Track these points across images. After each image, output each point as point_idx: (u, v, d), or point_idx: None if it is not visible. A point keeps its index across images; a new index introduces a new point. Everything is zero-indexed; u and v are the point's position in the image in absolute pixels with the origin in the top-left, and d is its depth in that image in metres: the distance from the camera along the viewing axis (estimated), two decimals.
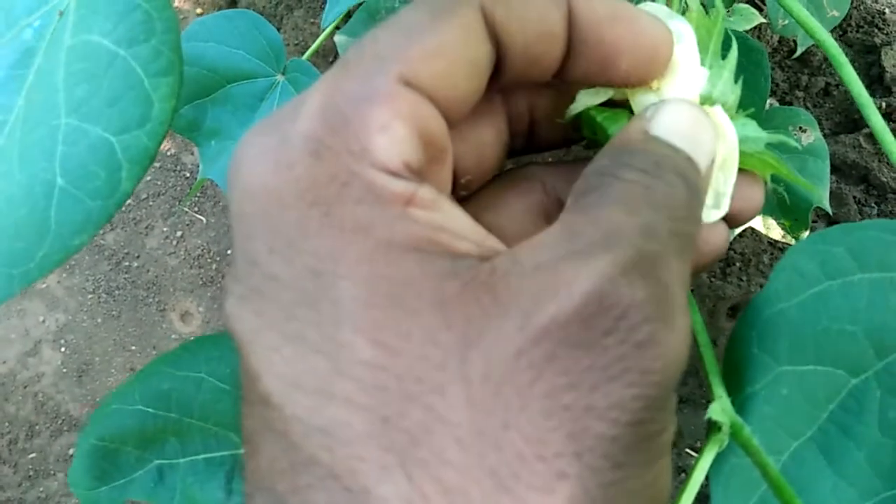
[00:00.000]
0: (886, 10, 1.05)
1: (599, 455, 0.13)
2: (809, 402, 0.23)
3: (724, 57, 0.21)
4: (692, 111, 0.18)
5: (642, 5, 0.20)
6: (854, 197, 0.96)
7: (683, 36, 0.20)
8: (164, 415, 0.37)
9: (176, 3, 1.30)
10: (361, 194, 0.14)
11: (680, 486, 0.21)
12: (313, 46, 0.73)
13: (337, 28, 1.18)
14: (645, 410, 0.13)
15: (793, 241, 0.77)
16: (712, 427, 0.22)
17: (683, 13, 0.21)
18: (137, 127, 0.23)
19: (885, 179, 0.94)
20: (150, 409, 0.37)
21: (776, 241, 0.95)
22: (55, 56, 0.25)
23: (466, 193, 0.19)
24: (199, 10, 1.35)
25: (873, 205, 0.96)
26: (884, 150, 0.30)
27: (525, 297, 0.14)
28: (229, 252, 1.16)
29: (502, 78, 0.17)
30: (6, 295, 0.23)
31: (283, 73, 0.72)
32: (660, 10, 0.20)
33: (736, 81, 0.21)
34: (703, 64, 0.20)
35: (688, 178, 0.16)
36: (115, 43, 0.24)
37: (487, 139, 0.20)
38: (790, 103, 1.00)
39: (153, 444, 0.38)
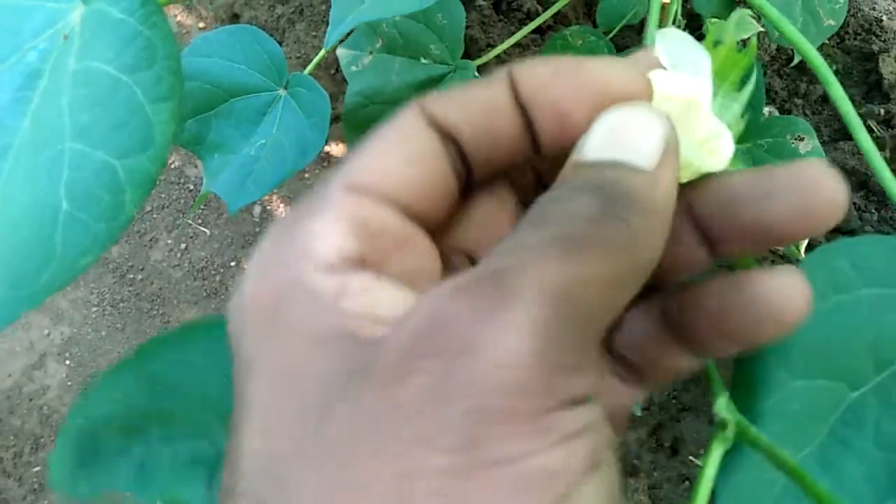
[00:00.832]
0: (884, 18, 1.05)
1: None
2: (813, 416, 0.23)
3: (740, 88, 0.20)
4: (616, 116, 0.17)
5: (660, 33, 0.20)
6: (854, 203, 0.96)
7: (701, 68, 0.19)
8: (151, 401, 0.36)
9: (178, 18, 1.32)
10: (299, 296, 0.15)
11: (688, 494, 0.22)
12: (315, 61, 0.74)
13: (339, 41, 1.19)
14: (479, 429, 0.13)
15: (794, 248, 0.77)
16: (717, 426, 0.22)
17: (716, 45, 0.20)
18: (140, 151, 0.23)
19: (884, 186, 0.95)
20: (137, 392, 0.36)
21: (776, 250, 0.96)
22: (60, 80, 0.26)
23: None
24: (201, 25, 1.36)
25: (873, 210, 0.96)
26: (871, 165, 0.31)
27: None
28: (232, 264, 1.16)
29: (475, 164, 0.18)
30: (12, 317, 0.24)
31: (286, 88, 0.73)
32: (678, 39, 0.20)
33: (742, 116, 0.20)
34: (715, 95, 0.19)
35: (606, 186, 0.15)
36: (119, 69, 0.24)
37: (500, 216, 0.20)
38: (789, 111, 1.00)
39: (136, 433, 0.37)
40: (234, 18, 1.35)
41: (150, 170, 0.23)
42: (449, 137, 0.17)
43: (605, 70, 0.17)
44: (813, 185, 0.16)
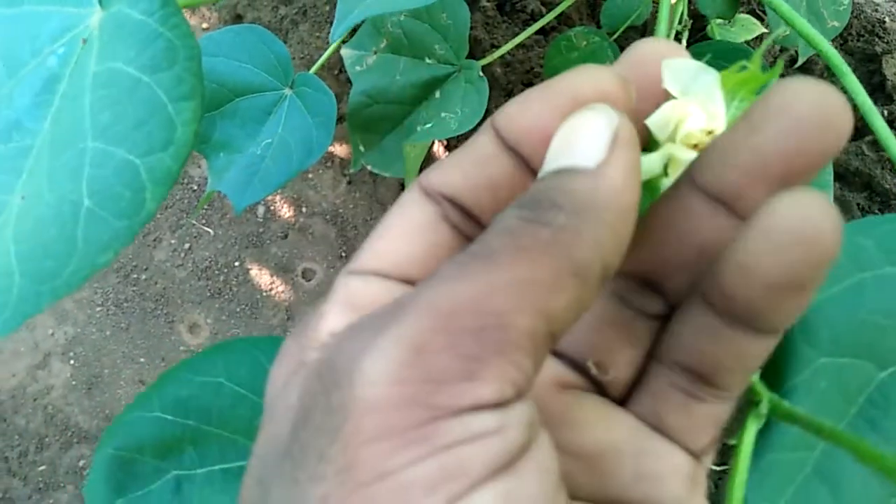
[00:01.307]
0: (886, 19, 1.06)
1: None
2: (843, 395, 0.23)
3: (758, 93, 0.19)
4: (565, 125, 0.16)
5: (665, 63, 0.19)
6: (858, 204, 0.96)
7: (711, 91, 0.18)
8: (183, 422, 0.38)
9: None
10: (300, 375, 0.16)
11: (723, 475, 0.21)
12: (320, 60, 0.75)
13: (343, 42, 1.19)
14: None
15: None
16: (750, 403, 0.22)
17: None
18: (161, 150, 0.24)
19: (888, 186, 0.95)
20: (168, 417, 0.38)
21: None
22: (80, 82, 0.26)
23: (605, 376, 0.19)
24: (204, 25, 1.36)
25: (877, 211, 0.96)
26: (888, 155, 0.31)
27: None
28: (236, 264, 1.17)
29: (484, 218, 0.17)
30: (34, 310, 0.24)
31: (291, 87, 0.73)
32: (683, 66, 0.19)
33: None
34: (728, 106, 0.19)
35: (540, 194, 0.15)
36: (139, 70, 0.25)
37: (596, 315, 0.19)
38: None
39: (171, 454, 0.38)
40: (238, 19, 1.35)
41: (172, 167, 0.24)
42: (450, 202, 0.17)
43: (572, 81, 0.16)
44: (802, 98, 0.15)
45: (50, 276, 0.24)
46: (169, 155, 0.24)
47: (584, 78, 0.16)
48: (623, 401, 0.19)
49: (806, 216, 0.14)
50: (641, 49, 0.18)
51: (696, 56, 0.19)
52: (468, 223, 0.18)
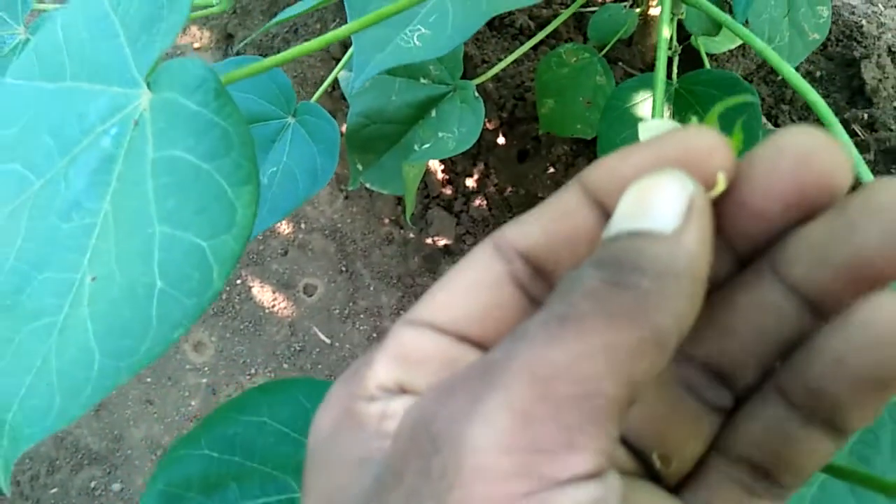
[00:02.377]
0: (864, 23, 1.09)
1: None
2: None
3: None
4: (638, 186, 0.16)
5: (641, 124, 0.22)
6: None
7: None
8: (228, 459, 0.40)
9: None
10: (349, 425, 0.17)
11: None
12: (319, 91, 0.76)
13: (336, 60, 1.21)
14: None
15: None
16: None
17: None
18: (225, 232, 0.26)
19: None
20: (214, 454, 0.40)
21: None
22: (139, 166, 0.28)
23: (667, 469, 0.19)
24: (196, 45, 1.37)
25: None
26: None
27: None
28: (238, 282, 1.18)
29: (556, 275, 0.18)
30: (113, 385, 0.26)
31: (294, 116, 0.75)
32: (658, 125, 0.22)
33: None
34: None
35: (619, 256, 0.15)
36: (199, 158, 0.27)
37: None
38: (776, 117, 1.04)
39: (216, 490, 0.40)
40: (229, 38, 1.36)
41: (235, 247, 0.26)
42: (524, 258, 0.17)
43: (680, 140, 0.16)
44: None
45: (128, 353, 0.26)
46: (232, 236, 0.26)
47: (691, 139, 0.16)
48: (676, 488, 0.19)
49: None
50: (788, 139, 0.17)
51: (688, 86, 0.21)
52: (536, 284, 0.18)
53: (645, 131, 0.21)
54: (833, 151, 0.16)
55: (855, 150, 0.41)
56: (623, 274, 0.15)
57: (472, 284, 0.18)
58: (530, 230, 0.18)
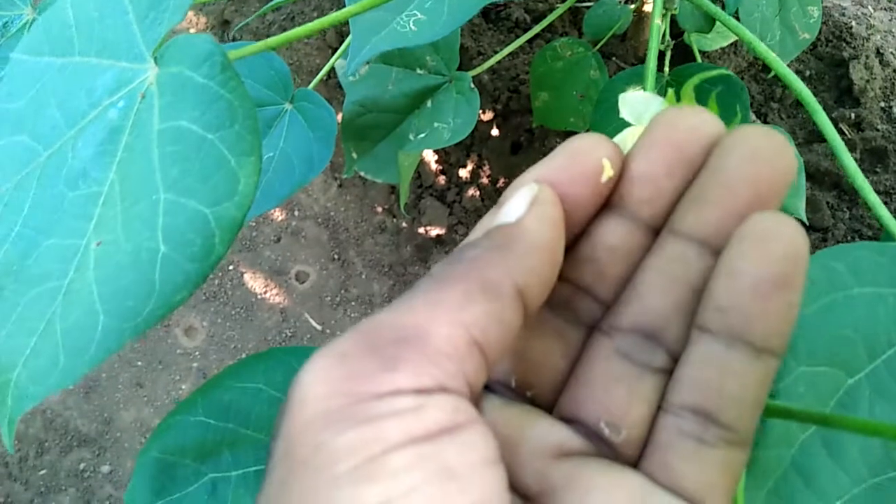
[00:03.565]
0: (853, 24, 1.11)
1: None
2: (817, 398, 0.27)
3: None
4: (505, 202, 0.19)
5: (621, 97, 0.23)
6: (827, 202, 1.01)
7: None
8: (223, 426, 0.40)
9: None
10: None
11: None
12: (316, 79, 0.77)
13: (333, 49, 1.21)
14: None
15: None
16: None
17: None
18: (227, 199, 0.27)
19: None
20: (210, 421, 0.40)
21: None
22: (146, 136, 0.29)
23: (618, 437, 0.19)
24: (192, 31, 1.38)
25: (845, 209, 1.01)
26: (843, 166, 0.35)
27: None
28: (231, 268, 1.19)
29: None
30: (117, 347, 0.27)
31: (291, 102, 0.76)
32: (638, 97, 0.23)
33: None
34: None
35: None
36: (204, 128, 0.28)
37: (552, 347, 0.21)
38: (766, 114, 1.05)
39: (210, 457, 0.41)
40: (225, 24, 1.37)
41: (237, 215, 0.27)
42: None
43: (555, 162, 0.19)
44: (751, 134, 0.18)
45: (132, 315, 0.27)
46: (234, 205, 0.27)
47: (575, 144, 0.20)
48: (637, 464, 0.19)
49: (779, 221, 0.17)
50: (660, 116, 0.20)
51: (679, 79, 0.23)
52: None
53: (624, 104, 0.23)
54: (697, 113, 0.19)
55: (841, 144, 0.43)
56: (458, 252, 0.18)
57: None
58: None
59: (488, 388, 0.21)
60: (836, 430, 0.27)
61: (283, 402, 0.17)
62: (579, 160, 0.19)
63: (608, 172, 0.19)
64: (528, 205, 0.18)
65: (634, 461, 0.19)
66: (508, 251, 0.18)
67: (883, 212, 0.35)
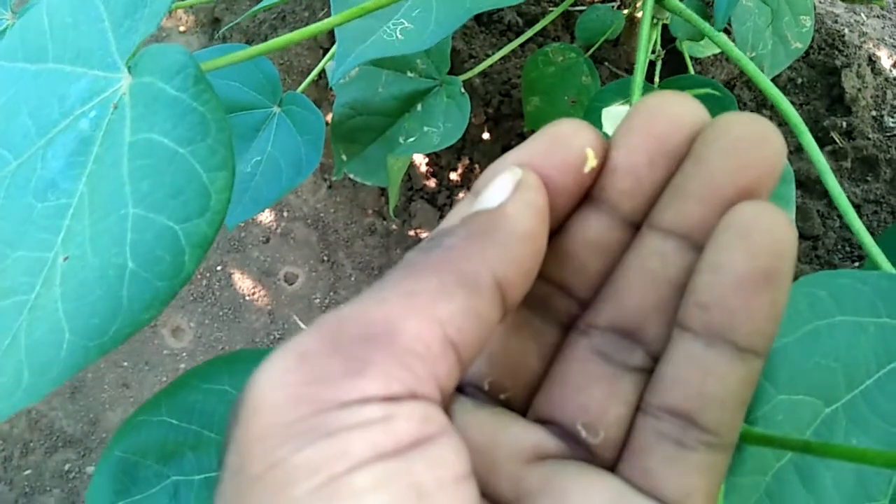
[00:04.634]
0: (846, 31, 1.11)
1: None
2: (795, 427, 0.26)
3: None
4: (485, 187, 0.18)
5: (605, 111, 0.23)
6: (818, 211, 1.01)
7: None
8: (186, 427, 0.39)
9: None
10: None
11: None
12: (307, 80, 0.77)
13: (324, 49, 1.20)
14: None
15: None
16: None
17: None
18: (198, 216, 0.26)
19: (846, 194, 1.00)
20: (173, 421, 0.39)
21: None
22: (116, 149, 0.29)
23: (596, 439, 0.19)
24: (181, 29, 1.37)
25: (836, 217, 1.01)
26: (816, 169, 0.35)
27: None
28: (219, 268, 1.18)
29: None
30: (82, 365, 0.27)
31: (280, 105, 0.75)
32: (620, 112, 0.23)
33: None
34: None
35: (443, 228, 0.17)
36: (175, 142, 0.27)
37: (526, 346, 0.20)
38: None
39: (172, 459, 0.40)
40: (215, 23, 1.36)
41: (208, 232, 0.26)
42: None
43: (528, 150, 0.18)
44: (735, 123, 0.17)
45: (97, 333, 0.26)
46: (205, 221, 0.26)
47: (556, 129, 0.18)
48: (614, 467, 0.18)
49: (764, 211, 0.16)
50: (640, 104, 0.19)
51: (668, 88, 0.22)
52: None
53: (607, 118, 0.23)
54: (680, 101, 0.18)
55: (820, 156, 0.42)
56: (434, 240, 0.17)
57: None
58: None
59: (459, 389, 0.20)
60: (810, 460, 0.27)
61: (234, 405, 0.15)
62: (561, 147, 0.18)
63: (591, 162, 0.18)
64: (510, 190, 0.17)
65: (612, 464, 0.18)
66: (489, 240, 0.16)
67: (866, 238, 0.35)
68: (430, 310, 0.15)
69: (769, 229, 0.16)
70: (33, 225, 0.30)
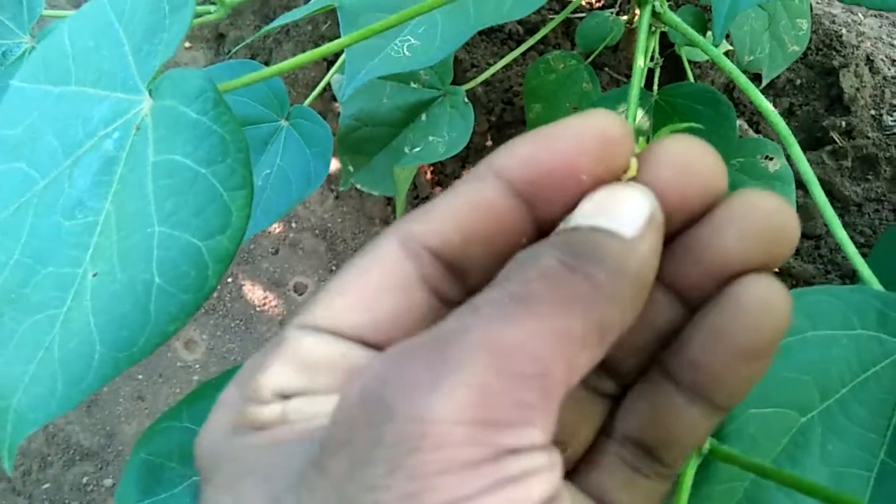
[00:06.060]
0: (843, 31, 1.12)
1: None
2: (768, 438, 0.27)
3: None
4: (604, 191, 0.17)
5: None
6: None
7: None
8: None
9: None
10: (249, 427, 0.17)
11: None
12: (312, 95, 0.78)
13: (328, 62, 1.22)
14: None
15: None
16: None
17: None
18: (220, 233, 0.28)
19: (847, 193, 1.01)
20: (195, 427, 0.42)
21: None
22: (140, 169, 0.30)
23: (563, 455, 0.18)
24: (187, 45, 1.39)
25: (837, 217, 1.02)
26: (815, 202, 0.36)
27: None
28: (229, 280, 1.20)
29: (470, 271, 0.17)
30: (112, 375, 0.28)
31: (287, 119, 0.76)
32: None
33: None
34: None
35: (577, 244, 0.16)
36: (197, 163, 0.28)
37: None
38: (757, 123, 1.06)
39: (193, 461, 0.43)
40: (220, 38, 1.38)
41: (229, 248, 0.28)
42: (436, 256, 0.17)
43: (581, 125, 0.17)
44: (761, 206, 0.17)
45: (127, 344, 0.28)
46: (227, 237, 0.28)
47: (593, 122, 0.17)
48: (569, 475, 0.19)
49: (769, 289, 0.16)
50: (669, 148, 0.17)
51: (667, 99, 0.23)
52: (449, 284, 0.17)
53: None
54: (710, 160, 0.17)
55: (808, 167, 0.43)
56: (581, 261, 0.15)
57: (378, 288, 0.17)
58: (442, 227, 0.17)
59: None
60: (788, 463, 0.28)
61: (373, 417, 0.14)
62: (609, 150, 0.17)
63: (632, 172, 0.17)
64: (646, 222, 0.16)
65: (567, 473, 0.19)
66: (624, 282, 0.15)
67: (850, 248, 0.36)
68: (573, 357, 0.15)
69: (777, 309, 0.16)
70: (62, 242, 0.31)
